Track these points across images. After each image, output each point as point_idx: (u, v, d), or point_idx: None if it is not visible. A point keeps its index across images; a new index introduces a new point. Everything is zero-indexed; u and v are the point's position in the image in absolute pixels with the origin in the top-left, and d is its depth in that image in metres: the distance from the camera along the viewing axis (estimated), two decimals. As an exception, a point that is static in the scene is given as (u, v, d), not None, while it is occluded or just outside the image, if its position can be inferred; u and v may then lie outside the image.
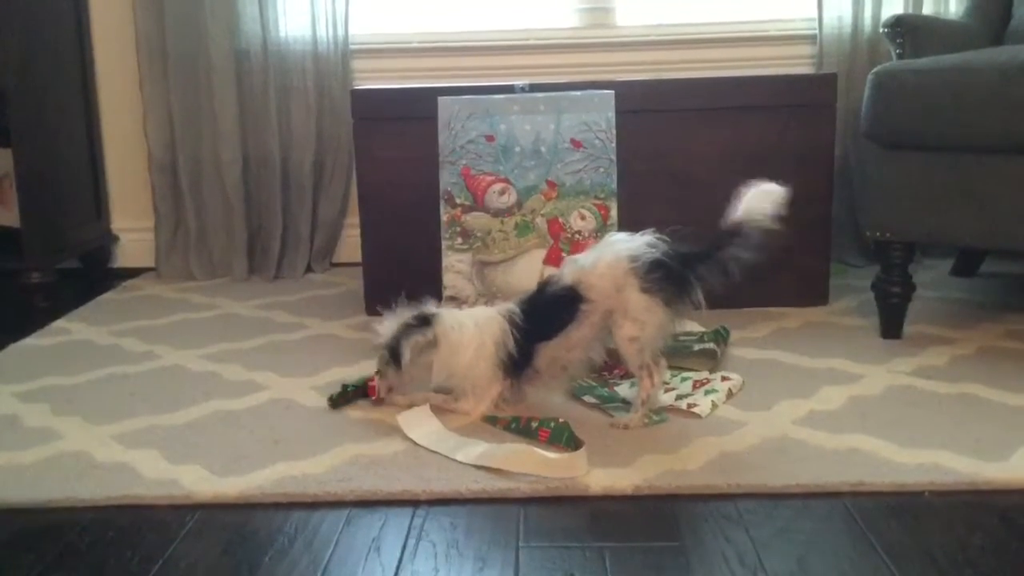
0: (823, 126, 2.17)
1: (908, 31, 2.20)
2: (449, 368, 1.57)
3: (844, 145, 2.62)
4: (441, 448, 1.44)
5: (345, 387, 1.67)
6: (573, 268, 1.55)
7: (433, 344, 1.57)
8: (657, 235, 1.52)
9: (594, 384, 1.69)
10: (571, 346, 1.56)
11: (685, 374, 1.73)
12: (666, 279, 1.49)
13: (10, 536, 1.24)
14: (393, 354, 1.58)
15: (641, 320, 1.50)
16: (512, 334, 1.55)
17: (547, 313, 1.56)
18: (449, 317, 1.60)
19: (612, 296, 1.51)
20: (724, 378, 1.69)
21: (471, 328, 1.58)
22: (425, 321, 1.59)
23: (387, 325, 1.61)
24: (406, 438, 1.48)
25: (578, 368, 1.61)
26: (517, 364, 1.57)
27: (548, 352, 1.57)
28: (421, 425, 1.51)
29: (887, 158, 1.91)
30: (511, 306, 1.60)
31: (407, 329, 1.58)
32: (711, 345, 1.80)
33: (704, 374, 1.72)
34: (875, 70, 1.91)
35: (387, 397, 1.63)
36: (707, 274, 1.50)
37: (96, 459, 1.44)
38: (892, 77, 1.86)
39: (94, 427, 1.58)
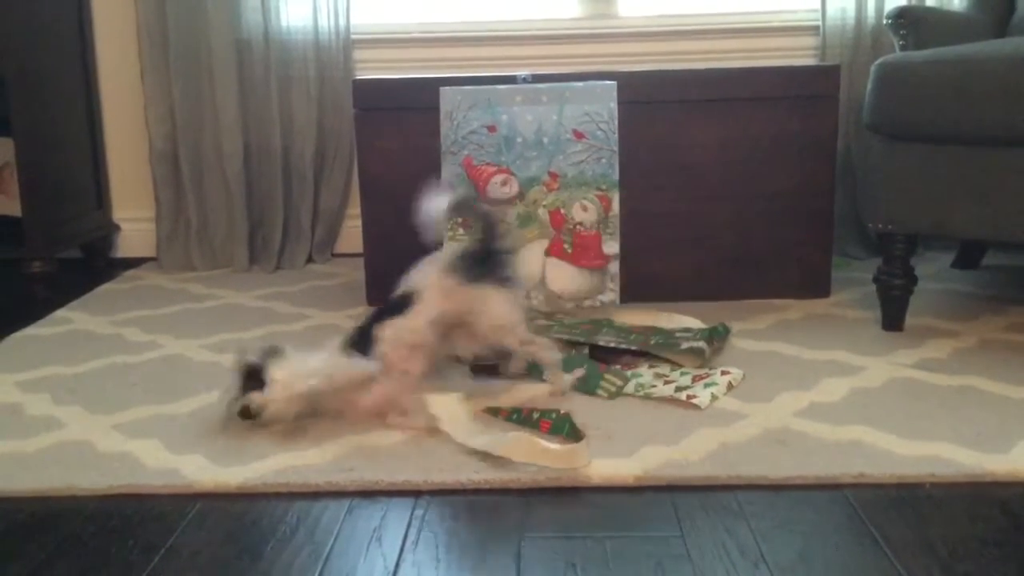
0: (826, 117, 2.17)
1: (911, 22, 2.19)
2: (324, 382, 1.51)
3: (846, 137, 2.62)
4: (456, 433, 1.44)
5: None
6: (407, 284, 1.60)
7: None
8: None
9: (600, 374, 1.69)
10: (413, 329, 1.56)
11: (684, 369, 1.73)
12: (476, 265, 1.56)
13: (12, 525, 1.24)
14: None
15: (480, 310, 1.56)
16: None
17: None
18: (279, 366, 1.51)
19: (449, 302, 1.56)
20: (724, 372, 1.69)
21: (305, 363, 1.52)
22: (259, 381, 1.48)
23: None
24: (408, 427, 1.49)
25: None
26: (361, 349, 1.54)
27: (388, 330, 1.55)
28: (446, 407, 1.51)
29: (889, 150, 1.90)
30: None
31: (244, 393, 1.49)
32: (700, 344, 1.77)
33: (704, 369, 1.72)
34: (878, 62, 1.90)
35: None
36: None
37: (98, 448, 1.45)
38: (895, 69, 1.85)
39: (96, 416, 1.58)
